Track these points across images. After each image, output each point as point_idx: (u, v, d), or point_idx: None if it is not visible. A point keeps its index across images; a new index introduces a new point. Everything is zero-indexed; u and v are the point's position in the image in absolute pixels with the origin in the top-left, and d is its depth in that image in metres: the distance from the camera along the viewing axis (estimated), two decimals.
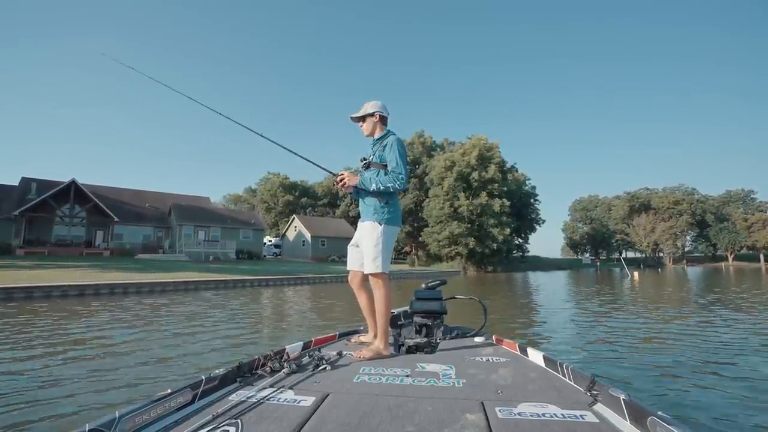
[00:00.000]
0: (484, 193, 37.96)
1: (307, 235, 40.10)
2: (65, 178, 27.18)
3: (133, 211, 32.06)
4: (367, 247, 2.34)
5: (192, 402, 1.45)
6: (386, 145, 2.38)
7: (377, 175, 2.34)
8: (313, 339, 2.46)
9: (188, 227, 31.39)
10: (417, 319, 2.68)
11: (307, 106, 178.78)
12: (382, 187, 2.30)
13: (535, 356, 2.10)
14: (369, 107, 2.50)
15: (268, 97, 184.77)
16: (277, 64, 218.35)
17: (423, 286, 2.96)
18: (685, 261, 71.02)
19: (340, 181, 2.42)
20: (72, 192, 27.10)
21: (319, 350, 2.24)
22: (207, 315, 7.83)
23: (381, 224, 2.33)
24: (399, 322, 2.81)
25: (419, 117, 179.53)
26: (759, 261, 66.17)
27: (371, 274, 2.33)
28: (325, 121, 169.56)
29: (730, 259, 68.30)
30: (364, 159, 2.46)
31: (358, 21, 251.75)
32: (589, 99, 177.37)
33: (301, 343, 2.31)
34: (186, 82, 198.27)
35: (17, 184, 28.32)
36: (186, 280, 14.52)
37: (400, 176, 2.30)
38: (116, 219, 28.55)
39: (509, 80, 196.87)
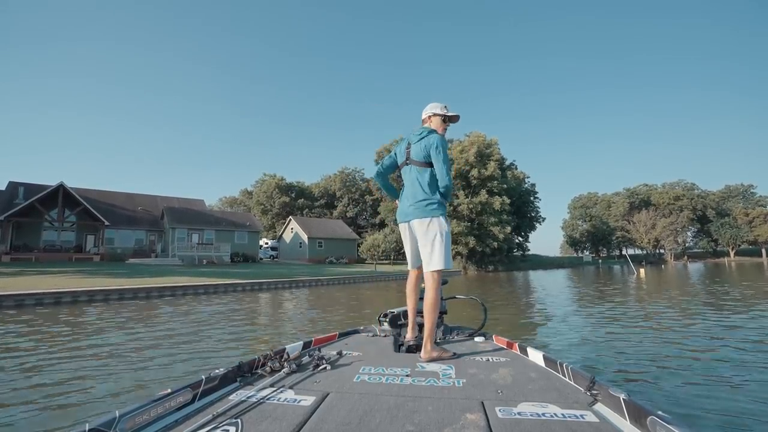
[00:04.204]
0: (483, 191, 37.23)
1: (304, 237, 39.40)
2: (55, 182, 26.43)
3: (124, 215, 31.34)
4: None
5: (192, 401, 1.44)
6: None
7: None
8: (313, 339, 2.44)
9: (181, 230, 30.66)
10: (417, 318, 2.58)
11: (302, 107, 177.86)
12: None
13: (535, 356, 2.07)
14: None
15: (264, 98, 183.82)
16: (271, 64, 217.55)
17: (423, 285, 2.80)
18: (686, 257, 70.55)
19: None
20: (60, 196, 26.38)
21: (319, 350, 2.20)
22: (167, 325, 7.14)
23: None
24: (399, 322, 2.77)
25: (416, 115, 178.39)
26: (761, 256, 65.77)
27: None
28: (319, 123, 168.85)
29: (732, 254, 67.82)
30: None
31: (354, 21, 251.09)
32: (586, 96, 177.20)
33: (301, 342, 2.29)
34: (178, 81, 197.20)
35: (4, 189, 27.54)
36: (173, 285, 13.79)
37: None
38: (107, 223, 27.83)
39: (506, 78, 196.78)
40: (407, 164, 2.40)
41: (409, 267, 2.44)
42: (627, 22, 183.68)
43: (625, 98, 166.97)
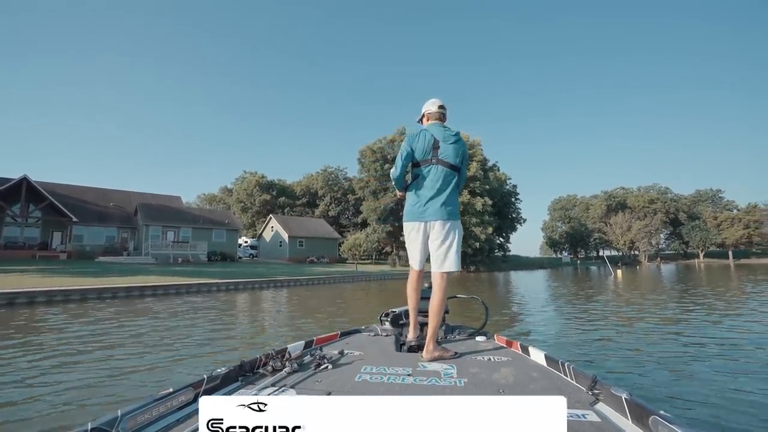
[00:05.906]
0: (465, 192, 37.44)
1: (285, 236, 38.68)
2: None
3: (95, 211, 29.97)
4: None
5: (194, 401, 1.43)
6: None
7: None
8: (314, 338, 2.44)
9: (155, 228, 29.55)
10: (419, 318, 2.56)
11: (299, 108, 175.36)
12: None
13: (537, 355, 2.08)
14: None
15: (263, 98, 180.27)
16: (271, 64, 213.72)
17: (426, 285, 2.81)
18: (659, 259, 72.93)
19: None
20: (24, 190, 24.94)
21: (321, 349, 2.21)
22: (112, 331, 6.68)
23: None
24: (400, 321, 2.77)
25: (405, 114, 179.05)
26: (728, 258, 68.55)
27: None
28: (315, 123, 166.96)
29: (701, 256, 70.48)
30: None
31: (351, 21, 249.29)
32: (572, 97, 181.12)
33: (303, 342, 2.29)
34: (166, 81, 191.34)
35: None
36: (142, 285, 13.14)
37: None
38: (75, 219, 26.49)
39: (488, 80, 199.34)
40: (433, 163, 2.32)
41: (416, 267, 2.39)
42: (623, 23, 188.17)
43: (613, 100, 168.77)
